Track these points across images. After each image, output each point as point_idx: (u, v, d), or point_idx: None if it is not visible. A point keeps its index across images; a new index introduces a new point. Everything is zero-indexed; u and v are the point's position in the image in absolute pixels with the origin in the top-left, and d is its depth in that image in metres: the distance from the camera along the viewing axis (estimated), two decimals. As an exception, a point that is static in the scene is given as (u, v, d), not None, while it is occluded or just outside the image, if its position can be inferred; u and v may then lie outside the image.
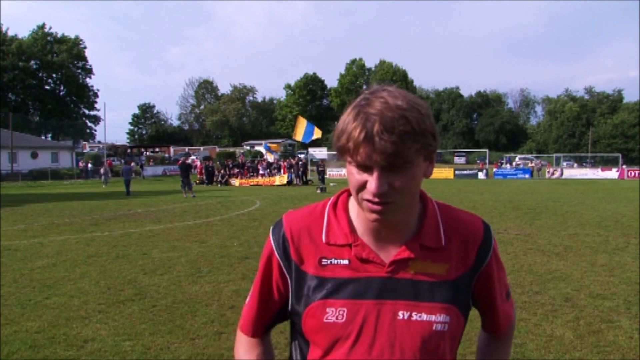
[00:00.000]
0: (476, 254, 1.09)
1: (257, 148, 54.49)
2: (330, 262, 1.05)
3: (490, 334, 1.25)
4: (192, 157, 47.93)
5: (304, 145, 62.75)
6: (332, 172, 42.08)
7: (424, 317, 1.01)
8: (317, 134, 26.60)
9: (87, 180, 38.95)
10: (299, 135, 26.48)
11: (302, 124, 26.52)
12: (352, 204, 1.10)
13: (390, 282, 1.02)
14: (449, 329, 1.03)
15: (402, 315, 1.01)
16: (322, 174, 30.47)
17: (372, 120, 0.90)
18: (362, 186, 0.95)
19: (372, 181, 0.93)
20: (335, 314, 1.01)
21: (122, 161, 45.33)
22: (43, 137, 58.56)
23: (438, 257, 1.05)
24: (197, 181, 32.34)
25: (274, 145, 34.17)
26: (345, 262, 1.04)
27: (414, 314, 1.01)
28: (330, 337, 1.02)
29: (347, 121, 0.94)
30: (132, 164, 35.06)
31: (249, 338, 1.18)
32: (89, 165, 44.87)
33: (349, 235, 1.05)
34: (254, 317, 1.16)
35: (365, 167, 0.94)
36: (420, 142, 0.92)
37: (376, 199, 0.94)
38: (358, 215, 1.07)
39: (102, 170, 34.53)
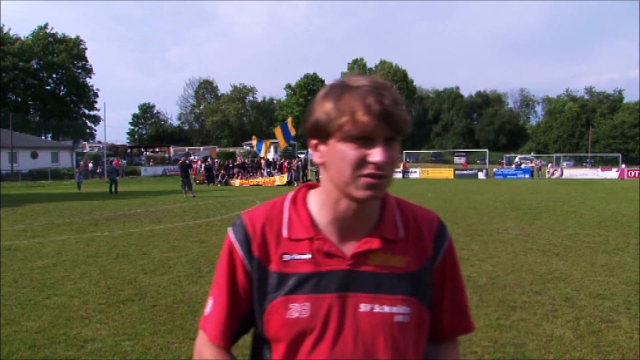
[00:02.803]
0: (433, 245, 1.10)
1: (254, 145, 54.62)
2: (292, 258, 1.04)
3: (432, 340, 1.15)
4: (192, 157, 47.88)
5: (304, 145, 62.83)
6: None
7: (386, 309, 1.02)
8: (293, 130, 27.45)
9: (87, 180, 38.90)
10: (282, 141, 27.47)
11: (277, 132, 27.80)
12: (312, 198, 1.10)
13: (351, 275, 1.02)
14: (411, 321, 1.04)
15: (363, 307, 1.02)
16: (317, 174, 30.73)
17: (379, 93, 0.94)
18: (362, 162, 0.95)
19: (377, 152, 0.94)
20: (298, 309, 1.01)
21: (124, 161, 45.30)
22: (43, 137, 58.58)
23: (398, 249, 1.06)
24: (197, 181, 32.36)
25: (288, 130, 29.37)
26: (307, 256, 1.03)
27: (375, 306, 1.02)
28: (294, 333, 1.01)
29: (348, 98, 0.95)
30: (120, 162, 33.73)
31: (219, 348, 1.09)
32: (90, 165, 44.88)
33: (310, 229, 1.05)
34: (224, 322, 1.08)
35: (366, 141, 0.95)
36: (410, 118, 0.99)
37: (379, 172, 0.95)
38: (322, 207, 1.06)
39: (76, 172, 29.44)
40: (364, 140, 0.95)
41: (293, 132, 27.76)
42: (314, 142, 1.03)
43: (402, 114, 0.96)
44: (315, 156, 1.04)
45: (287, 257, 1.04)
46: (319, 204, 1.07)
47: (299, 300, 1.01)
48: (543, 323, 4.56)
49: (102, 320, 4.74)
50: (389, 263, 1.04)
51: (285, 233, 1.06)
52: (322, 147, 1.01)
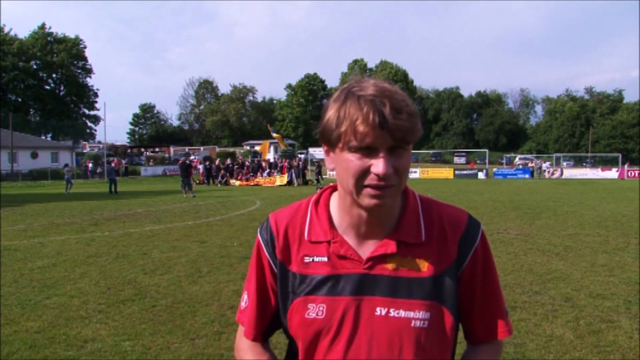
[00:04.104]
0: (458, 247, 1.06)
1: (257, 148, 54.76)
2: (312, 260, 1.06)
3: (469, 343, 1.18)
4: (192, 157, 47.87)
5: (304, 145, 62.90)
6: (332, 173, 42.06)
7: (402, 313, 1.01)
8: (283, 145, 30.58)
9: (87, 180, 38.96)
10: (281, 143, 31.17)
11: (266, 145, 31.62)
12: (334, 200, 1.12)
13: (367, 279, 1.03)
14: (430, 326, 1.02)
15: (379, 311, 1.01)
16: (318, 174, 31.07)
17: (379, 102, 0.92)
18: (365, 172, 0.95)
19: (379, 164, 0.93)
20: (315, 310, 1.03)
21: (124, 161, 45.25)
22: (43, 137, 58.53)
23: (418, 253, 1.04)
24: (197, 181, 32.37)
25: (277, 135, 35.44)
26: (325, 259, 1.05)
27: (391, 310, 1.01)
28: (311, 333, 1.04)
29: (348, 106, 0.94)
30: (123, 163, 33.60)
31: (253, 343, 1.17)
32: (90, 165, 44.89)
33: (328, 232, 1.07)
34: (255, 319, 1.14)
35: (369, 151, 0.94)
36: (418, 125, 0.96)
37: (382, 182, 0.94)
38: (340, 211, 1.08)
39: (66, 172, 26.17)
40: (367, 150, 0.94)
41: (283, 147, 30.12)
42: (325, 147, 1.03)
43: (404, 123, 0.92)
44: (327, 161, 1.05)
45: (307, 259, 1.07)
46: (338, 208, 1.09)
47: (317, 301, 1.04)
48: (543, 323, 4.56)
49: (102, 320, 4.74)
50: (408, 267, 1.03)
51: (306, 235, 1.09)
52: (331, 154, 1.02)
